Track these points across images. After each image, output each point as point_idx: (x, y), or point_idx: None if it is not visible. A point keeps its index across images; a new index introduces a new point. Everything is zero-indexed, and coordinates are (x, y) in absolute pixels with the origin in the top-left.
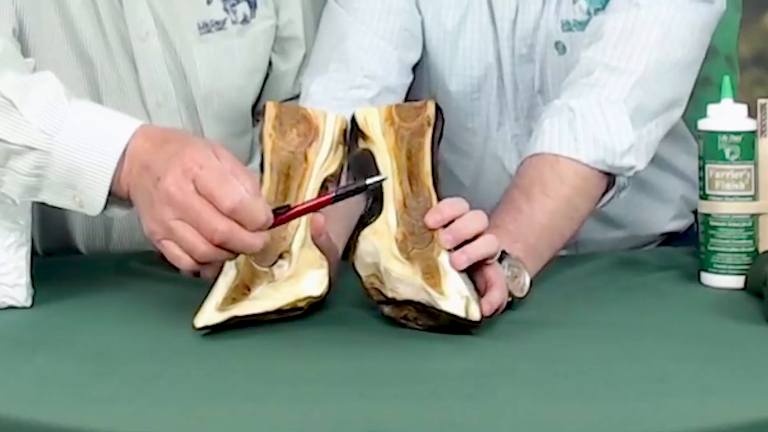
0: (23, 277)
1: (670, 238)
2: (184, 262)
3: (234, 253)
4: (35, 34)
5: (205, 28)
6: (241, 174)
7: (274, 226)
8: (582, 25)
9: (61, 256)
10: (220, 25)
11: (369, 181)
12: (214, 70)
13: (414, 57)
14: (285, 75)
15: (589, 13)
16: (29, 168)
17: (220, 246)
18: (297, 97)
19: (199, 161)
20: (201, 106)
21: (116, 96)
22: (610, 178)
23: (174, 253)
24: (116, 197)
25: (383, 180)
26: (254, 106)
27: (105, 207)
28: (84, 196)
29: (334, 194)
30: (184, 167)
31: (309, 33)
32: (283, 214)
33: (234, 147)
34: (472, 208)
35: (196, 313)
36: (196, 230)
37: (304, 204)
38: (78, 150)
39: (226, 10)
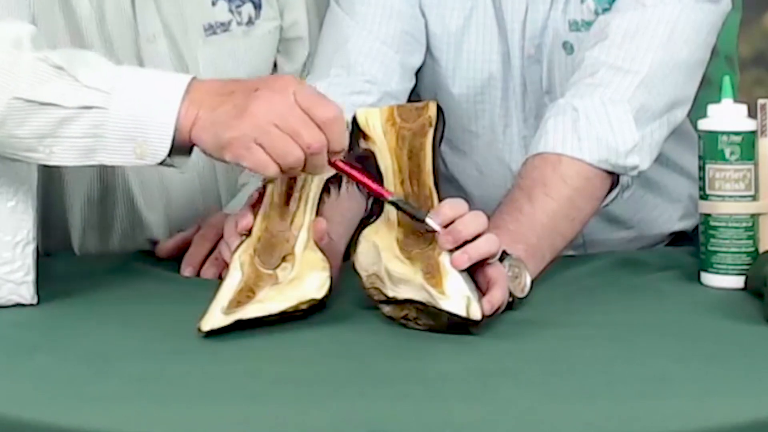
0: (30, 275)
1: (677, 238)
2: (271, 169)
3: (302, 170)
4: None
5: (211, 29)
6: None
7: (336, 167)
8: (589, 25)
9: (62, 256)
10: (225, 26)
11: (428, 220)
12: (219, 72)
13: (416, 61)
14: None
15: (596, 12)
16: (85, 129)
17: (307, 157)
18: None
19: (295, 81)
20: None
21: None
22: (613, 178)
23: (261, 159)
24: (177, 143)
25: (436, 230)
26: None
27: (169, 153)
28: (147, 146)
29: (391, 199)
30: (284, 83)
31: (313, 33)
32: (347, 164)
33: None
34: (473, 209)
35: (202, 316)
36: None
37: (365, 176)
38: (136, 101)
39: (231, 11)
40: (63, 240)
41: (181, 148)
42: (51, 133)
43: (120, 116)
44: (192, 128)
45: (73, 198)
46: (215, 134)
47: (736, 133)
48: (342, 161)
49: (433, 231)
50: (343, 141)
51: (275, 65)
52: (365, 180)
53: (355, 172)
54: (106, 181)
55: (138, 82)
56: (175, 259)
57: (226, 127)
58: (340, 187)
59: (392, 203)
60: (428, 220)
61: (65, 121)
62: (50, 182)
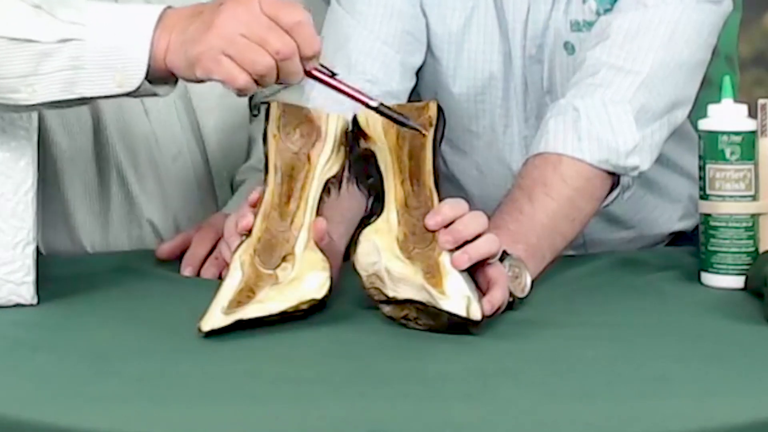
0: (30, 275)
1: (677, 238)
2: (241, 79)
3: (278, 82)
4: None
5: None
6: None
7: (312, 76)
8: (591, 25)
9: (63, 256)
10: None
11: (412, 123)
12: None
13: (417, 61)
14: None
15: (598, 13)
16: (65, 62)
17: (278, 64)
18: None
19: None
20: (196, 100)
21: None
22: (614, 179)
23: (231, 69)
24: (154, 71)
25: (420, 131)
26: (251, 99)
27: (146, 77)
28: (125, 73)
29: (374, 104)
30: None
31: None
32: (323, 72)
33: (231, 140)
34: (474, 209)
35: (202, 316)
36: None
37: (347, 85)
38: (113, 30)
39: None
40: (67, 233)
41: (162, 77)
42: (32, 71)
43: (98, 46)
44: (166, 54)
45: (71, 188)
46: (185, 53)
47: (737, 133)
48: (318, 69)
49: (418, 131)
50: (313, 45)
51: None
52: (344, 87)
53: (332, 80)
54: (101, 163)
55: (114, 14)
56: (175, 258)
57: (194, 43)
58: (340, 187)
59: (375, 109)
60: (412, 123)
61: (45, 56)
62: (46, 175)
